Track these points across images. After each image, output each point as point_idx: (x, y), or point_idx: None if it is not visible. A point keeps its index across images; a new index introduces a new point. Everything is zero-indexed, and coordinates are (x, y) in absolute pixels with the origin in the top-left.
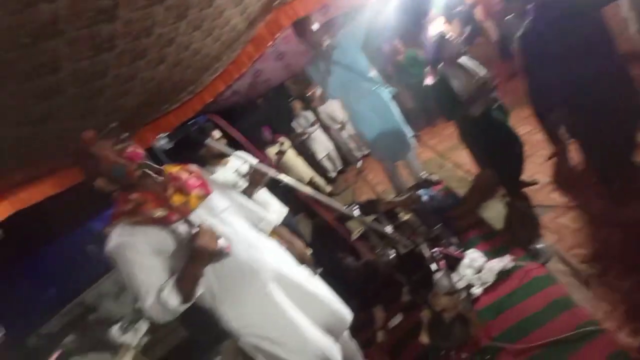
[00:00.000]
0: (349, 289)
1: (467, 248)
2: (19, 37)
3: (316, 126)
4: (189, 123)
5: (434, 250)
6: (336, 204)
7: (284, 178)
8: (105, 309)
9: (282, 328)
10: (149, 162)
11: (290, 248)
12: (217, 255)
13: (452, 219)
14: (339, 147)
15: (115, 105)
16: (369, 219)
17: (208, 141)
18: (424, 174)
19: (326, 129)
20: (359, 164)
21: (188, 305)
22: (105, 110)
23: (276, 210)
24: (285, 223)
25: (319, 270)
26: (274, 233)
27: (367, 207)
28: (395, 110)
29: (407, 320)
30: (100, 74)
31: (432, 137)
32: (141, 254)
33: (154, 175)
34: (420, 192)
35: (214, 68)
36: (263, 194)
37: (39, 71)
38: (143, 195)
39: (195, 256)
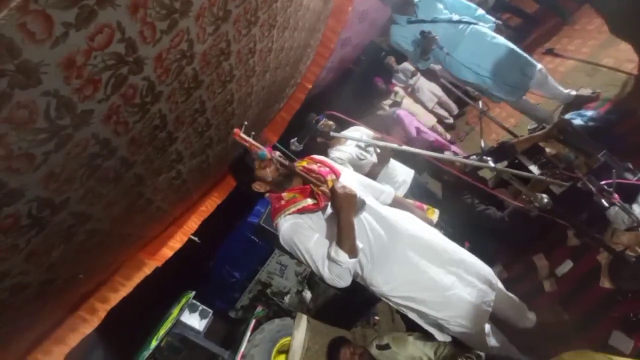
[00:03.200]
0: (497, 240)
1: None
2: (178, 95)
3: (417, 76)
4: (313, 122)
5: (601, 182)
6: (462, 159)
7: (403, 148)
8: (277, 284)
9: (424, 288)
10: (281, 156)
11: (415, 213)
12: (356, 200)
13: (620, 138)
14: (450, 89)
15: (244, 120)
16: (504, 165)
17: (332, 134)
18: (569, 92)
19: (430, 71)
20: (480, 102)
21: (355, 258)
22: (238, 126)
23: (402, 173)
24: (414, 184)
25: (445, 228)
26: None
27: (500, 151)
28: (502, 40)
29: (579, 265)
30: (229, 101)
31: (570, 41)
32: (308, 233)
33: (288, 165)
34: (569, 115)
35: (306, 55)
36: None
37: (194, 117)
38: (291, 191)
39: (340, 206)
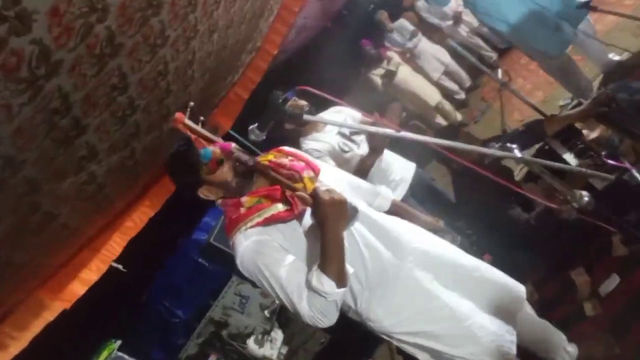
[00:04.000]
0: (526, 250)
1: None
2: (87, 66)
3: (417, 37)
4: (279, 101)
5: None
6: (479, 148)
7: (403, 135)
8: (235, 322)
9: (438, 319)
10: (240, 149)
11: (417, 222)
12: (347, 208)
13: None
14: (459, 53)
15: (184, 99)
16: (531, 153)
17: (306, 117)
18: (612, 55)
19: (434, 33)
20: (499, 72)
21: (344, 287)
22: (176, 107)
23: (400, 167)
24: (416, 182)
25: (457, 239)
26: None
27: (527, 135)
28: None
29: (629, 281)
30: (162, 73)
31: None
32: (277, 255)
33: (249, 161)
34: (612, 87)
35: (269, 9)
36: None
37: (111, 96)
38: (254, 195)
39: (325, 216)
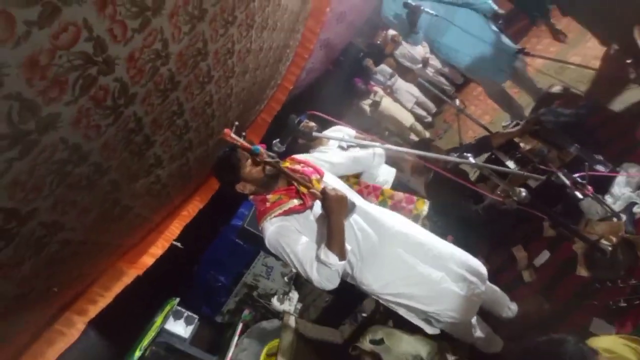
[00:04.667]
0: (478, 232)
1: (617, 163)
2: (154, 97)
3: (395, 77)
4: (295, 123)
5: (574, 175)
6: (445, 157)
7: (386, 147)
8: (263, 286)
9: (414, 284)
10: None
11: (403, 209)
12: (347, 203)
13: (591, 132)
14: (427, 87)
15: (225, 122)
16: (482, 160)
17: (315, 134)
18: (540, 89)
19: (408, 72)
20: (457, 100)
21: (344, 261)
22: (218, 129)
23: (384, 172)
24: (396, 182)
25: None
26: (383, 196)
27: (478, 147)
28: (490, 25)
29: (556, 255)
30: (208, 103)
31: (539, 41)
32: (295, 236)
33: (276, 163)
34: (542, 111)
35: (286, 56)
36: None
37: (172, 119)
38: (276, 193)
39: (331, 208)
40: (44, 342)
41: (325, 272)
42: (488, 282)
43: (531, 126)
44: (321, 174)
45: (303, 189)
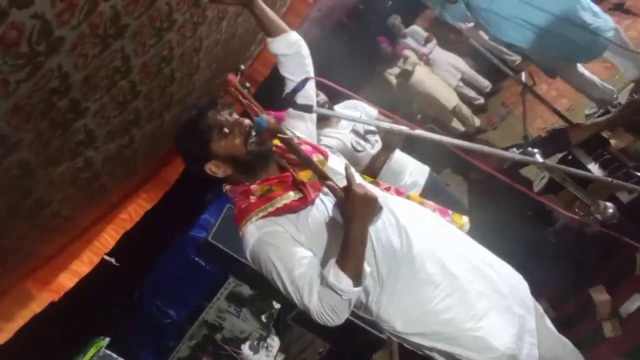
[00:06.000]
0: (543, 265)
1: None
2: (89, 46)
3: (432, 43)
4: (289, 93)
5: None
6: (499, 151)
7: (420, 133)
8: (230, 326)
9: (452, 319)
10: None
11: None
12: (378, 205)
13: None
14: (482, 55)
15: (189, 88)
16: (554, 161)
17: (315, 109)
18: None
19: (455, 34)
20: (522, 75)
21: (360, 287)
22: (179, 96)
23: (413, 171)
24: (430, 186)
25: None
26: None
27: (551, 142)
28: None
29: None
30: (166, 59)
31: None
32: (290, 245)
33: (291, 144)
34: None
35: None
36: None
37: (113, 79)
38: (265, 183)
39: (354, 214)
40: None
41: (331, 301)
42: (553, 329)
43: (628, 115)
44: (325, 155)
45: (304, 176)
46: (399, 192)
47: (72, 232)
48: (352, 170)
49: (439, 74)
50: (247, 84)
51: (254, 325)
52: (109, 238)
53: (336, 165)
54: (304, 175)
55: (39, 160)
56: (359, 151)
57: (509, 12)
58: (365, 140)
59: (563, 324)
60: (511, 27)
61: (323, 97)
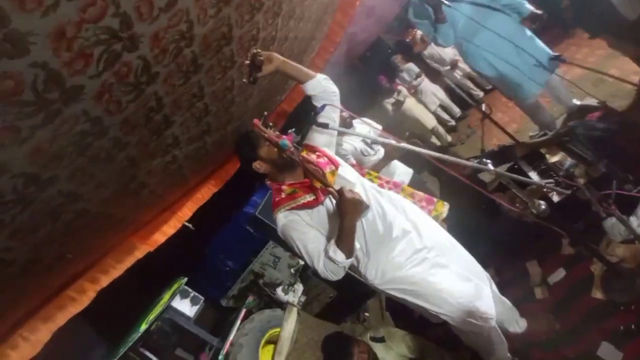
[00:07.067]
0: (492, 244)
1: None
2: (175, 79)
3: (421, 78)
4: (312, 114)
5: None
6: (463, 161)
7: (406, 146)
8: (269, 275)
9: (419, 282)
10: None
11: (423, 209)
12: (362, 207)
13: (621, 149)
14: (454, 90)
15: (244, 109)
16: (503, 169)
17: (332, 125)
18: (575, 101)
19: (435, 73)
20: (483, 106)
21: (351, 259)
22: (237, 115)
23: (401, 172)
24: (413, 184)
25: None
26: (403, 192)
27: (501, 155)
28: (524, 30)
29: (571, 275)
30: (229, 88)
31: (577, 50)
32: (305, 230)
33: (297, 156)
34: (572, 123)
35: (311, 48)
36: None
37: (192, 101)
38: (292, 186)
39: (346, 211)
40: (55, 306)
41: (330, 267)
42: (497, 292)
43: (562, 137)
44: (336, 165)
45: (317, 184)
46: (396, 185)
47: (163, 205)
48: (351, 175)
49: (424, 100)
50: (271, 124)
51: (286, 275)
52: (187, 210)
53: (346, 173)
54: (319, 182)
55: (141, 156)
56: (365, 155)
57: (484, 45)
58: (371, 147)
59: (505, 286)
60: (484, 60)
61: (347, 114)
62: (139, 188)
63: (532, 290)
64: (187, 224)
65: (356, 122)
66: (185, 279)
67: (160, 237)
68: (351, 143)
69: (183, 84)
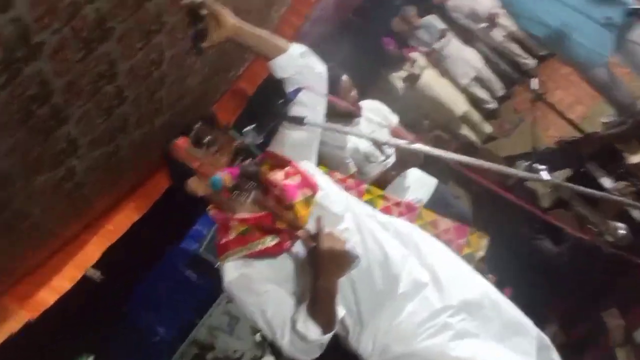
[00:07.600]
0: (552, 285)
1: None
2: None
3: (447, 38)
4: (279, 103)
5: None
6: (500, 167)
7: (420, 147)
8: (222, 345)
9: None
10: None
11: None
12: (349, 259)
13: None
14: (492, 59)
15: (180, 92)
16: (564, 175)
17: (310, 119)
18: None
19: (466, 34)
20: (534, 82)
21: (331, 333)
22: (169, 102)
23: (417, 185)
24: (437, 199)
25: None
26: (421, 220)
27: (560, 154)
28: None
29: None
30: (156, 62)
31: None
32: (265, 286)
33: (249, 194)
34: None
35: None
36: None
37: (97, 85)
38: (245, 222)
39: (321, 267)
40: None
41: (300, 345)
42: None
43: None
44: (314, 190)
45: (282, 223)
46: (409, 208)
47: (53, 245)
48: (337, 198)
49: (451, 70)
50: (197, 125)
51: (248, 345)
52: (93, 251)
53: (329, 201)
54: (283, 222)
55: (18, 170)
56: (371, 161)
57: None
58: (381, 151)
59: (574, 350)
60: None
61: (355, 95)
62: (15, 219)
63: (614, 353)
64: (92, 271)
65: (363, 104)
66: (91, 358)
67: (48, 295)
68: (354, 141)
69: (81, 60)
